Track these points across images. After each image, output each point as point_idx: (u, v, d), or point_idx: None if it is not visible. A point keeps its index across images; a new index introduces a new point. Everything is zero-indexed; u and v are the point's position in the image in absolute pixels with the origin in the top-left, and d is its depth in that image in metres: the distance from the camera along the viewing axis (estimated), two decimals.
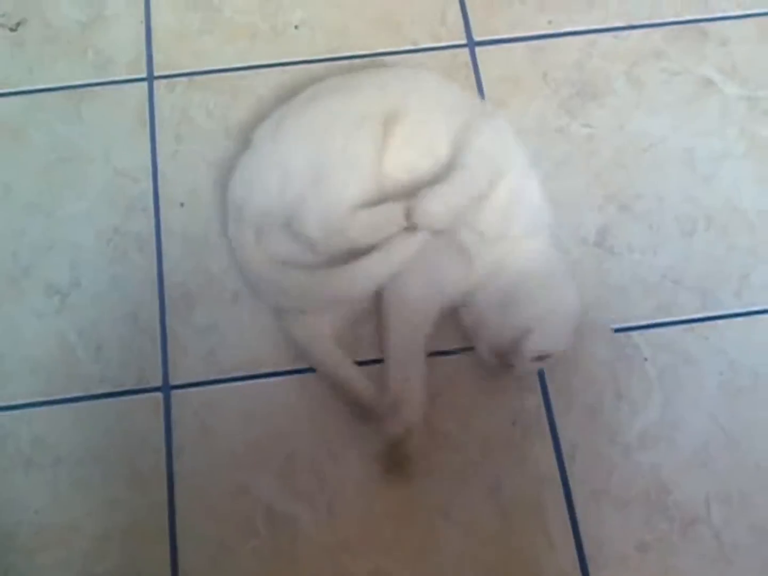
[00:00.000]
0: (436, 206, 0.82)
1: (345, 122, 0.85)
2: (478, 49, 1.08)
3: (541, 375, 0.92)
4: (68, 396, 0.90)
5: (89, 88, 1.04)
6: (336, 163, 0.84)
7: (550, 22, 1.10)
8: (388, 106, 0.86)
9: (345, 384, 0.87)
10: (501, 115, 0.95)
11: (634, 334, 0.94)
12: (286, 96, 0.94)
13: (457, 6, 1.11)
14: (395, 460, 0.86)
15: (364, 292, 0.87)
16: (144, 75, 1.05)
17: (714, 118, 1.06)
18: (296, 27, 1.09)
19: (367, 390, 0.87)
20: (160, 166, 1.00)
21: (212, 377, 0.91)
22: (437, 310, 0.88)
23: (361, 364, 0.90)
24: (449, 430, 0.89)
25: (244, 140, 0.93)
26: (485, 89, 1.06)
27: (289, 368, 0.91)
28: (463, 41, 1.09)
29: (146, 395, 0.90)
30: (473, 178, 0.85)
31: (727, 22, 1.11)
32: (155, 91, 1.04)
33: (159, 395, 0.90)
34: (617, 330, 0.94)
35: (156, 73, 1.06)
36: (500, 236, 0.87)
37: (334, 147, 0.84)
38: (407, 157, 0.85)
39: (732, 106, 1.06)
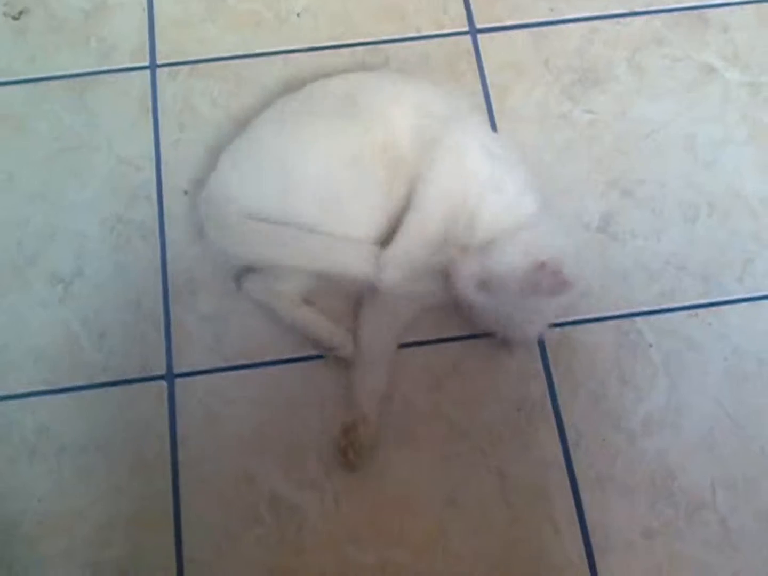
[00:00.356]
0: (392, 276, 0.84)
1: (349, 151, 0.87)
2: (480, 36, 1.09)
3: (545, 361, 0.92)
4: (72, 384, 0.90)
5: (92, 77, 1.05)
6: (349, 195, 0.86)
7: (551, 9, 1.11)
8: (381, 136, 0.87)
9: (311, 333, 0.89)
10: (476, 112, 0.96)
11: (638, 320, 0.94)
12: (290, 83, 0.96)
13: None
14: (344, 448, 0.86)
15: (343, 275, 0.87)
16: (147, 63, 1.06)
17: (716, 104, 1.07)
18: (298, 15, 1.10)
19: (334, 336, 0.89)
20: (163, 154, 1.00)
21: (217, 365, 0.91)
22: (413, 313, 0.91)
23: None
24: (455, 417, 0.90)
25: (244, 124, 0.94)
26: (488, 76, 1.07)
27: (294, 356, 0.91)
28: (466, 28, 1.09)
29: (150, 383, 0.90)
30: (426, 224, 0.86)
31: (728, 9, 1.11)
32: (158, 79, 1.05)
33: (163, 383, 0.90)
34: (622, 316, 0.94)
35: (159, 62, 1.06)
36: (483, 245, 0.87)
37: (344, 177, 0.86)
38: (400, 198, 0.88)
39: (733, 92, 1.07)
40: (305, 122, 0.89)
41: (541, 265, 0.81)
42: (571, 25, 1.10)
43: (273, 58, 1.06)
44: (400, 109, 0.89)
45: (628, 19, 1.10)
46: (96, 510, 0.85)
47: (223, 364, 0.91)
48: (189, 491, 0.86)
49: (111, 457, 0.87)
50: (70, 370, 0.90)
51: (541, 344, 0.93)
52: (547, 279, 0.80)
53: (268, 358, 0.91)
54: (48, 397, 0.89)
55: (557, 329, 0.93)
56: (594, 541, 0.85)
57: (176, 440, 0.88)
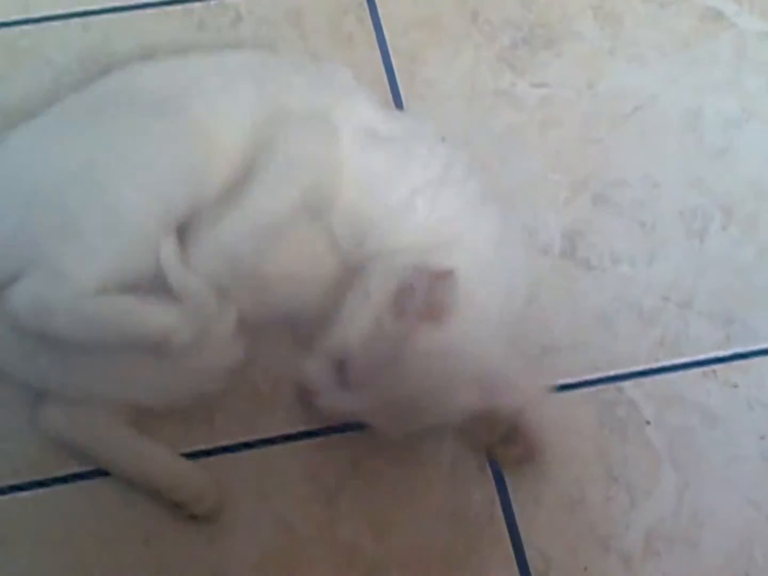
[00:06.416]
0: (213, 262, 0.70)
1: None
2: None
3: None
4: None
5: None
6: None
7: None
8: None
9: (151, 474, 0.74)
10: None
11: (627, 384, 0.79)
12: (93, 59, 0.82)
13: None
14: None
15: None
16: None
17: (726, 66, 0.92)
18: None
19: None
20: None
21: None
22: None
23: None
24: (355, 542, 0.72)
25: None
26: (388, 39, 0.90)
27: (71, 472, 0.73)
28: None
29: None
30: (269, 202, 0.73)
31: None
32: None
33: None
34: (603, 380, 0.78)
35: None
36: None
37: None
38: None
39: (751, 47, 0.92)
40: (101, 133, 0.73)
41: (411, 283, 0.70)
42: None
43: (66, 22, 0.90)
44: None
45: None
46: None
47: None
48: None
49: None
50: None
51: None
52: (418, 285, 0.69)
53: (37, 477, 0.72)
54: None
55: None
56: None
57: None
